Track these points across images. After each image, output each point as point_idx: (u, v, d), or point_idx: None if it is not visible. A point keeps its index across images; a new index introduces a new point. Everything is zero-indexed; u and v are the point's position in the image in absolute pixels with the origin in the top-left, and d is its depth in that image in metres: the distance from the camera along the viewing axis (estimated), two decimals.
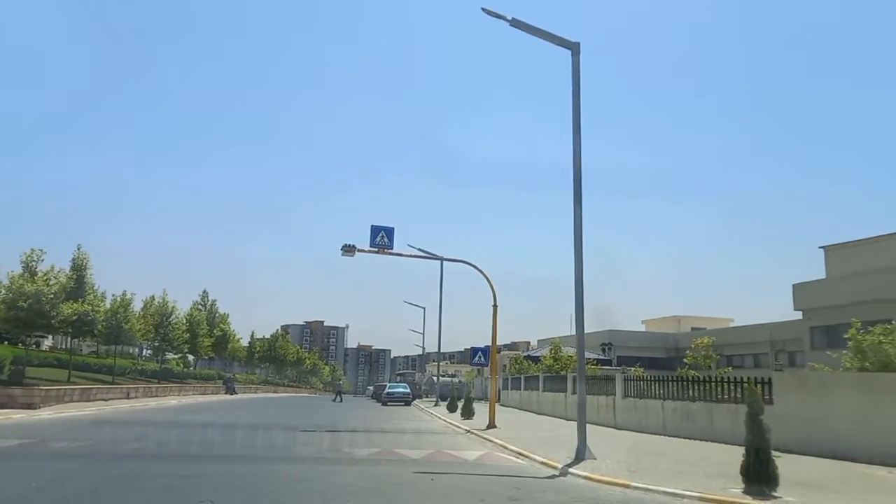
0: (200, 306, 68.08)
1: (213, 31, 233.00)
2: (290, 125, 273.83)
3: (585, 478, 12.48)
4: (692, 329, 54.76)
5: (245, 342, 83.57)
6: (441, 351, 47.69)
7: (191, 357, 67.63)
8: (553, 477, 12.91)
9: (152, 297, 51.04)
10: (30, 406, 27.09)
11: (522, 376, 40.08)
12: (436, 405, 42.02)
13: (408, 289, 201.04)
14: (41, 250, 32.29)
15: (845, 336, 20.20)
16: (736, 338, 48.15)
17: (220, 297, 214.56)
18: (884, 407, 17.40)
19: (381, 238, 23.94)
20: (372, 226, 23.86)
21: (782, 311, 36.83)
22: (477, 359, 25.54)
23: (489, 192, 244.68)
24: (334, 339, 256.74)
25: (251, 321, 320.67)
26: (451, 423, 26.63)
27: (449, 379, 57.45)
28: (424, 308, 59.56)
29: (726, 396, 20.57)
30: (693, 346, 26.68)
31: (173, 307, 51.67)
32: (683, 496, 10.82)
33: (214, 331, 65.88)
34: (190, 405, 39.19)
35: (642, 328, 59.30)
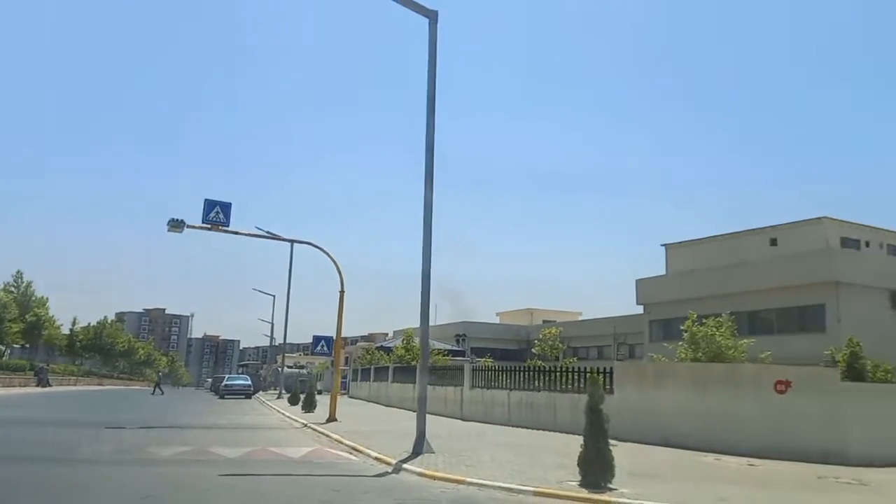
0: (13, 288, 60.49)
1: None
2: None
3: (419, 474, 11.63)
4: (543, 322, 56.63)
5: (67, 329, 75.70)
6: (291, 341, 45.57)
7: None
8: (384, 475, 11.93)
9: None
10: None
11: (372, 367, 39.12)
12: (278, 398, 39.99)
13: (260, 278, 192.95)
14: None
15: (681, 328, 21.07)
16: (583, 331, 50.29)
17: (58, 281, 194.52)
18: (712, 396, 18.24)
19: (216, 214, 21.81)
20: (206, 200, 21.61)
21: (631, 306, 38.62)
22: (319, 348, 24.02)
23: (343, 179, 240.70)
24: (177, 329, 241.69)
25: (91, 308, 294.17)
26: (289, 417, 25.03)
27: (296, 370, 55.28)
28: (274, 296, 56.89)
29: (569, 386, 20.77)
30: (541, 336, 26.98)
31: None
32: (519, 491, 10.26)
33: (27, 316, 58.82)
34: None
35: (497, 320, 60.61)
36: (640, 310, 38.37)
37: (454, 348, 45.30)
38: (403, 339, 38.04)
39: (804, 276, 29.30)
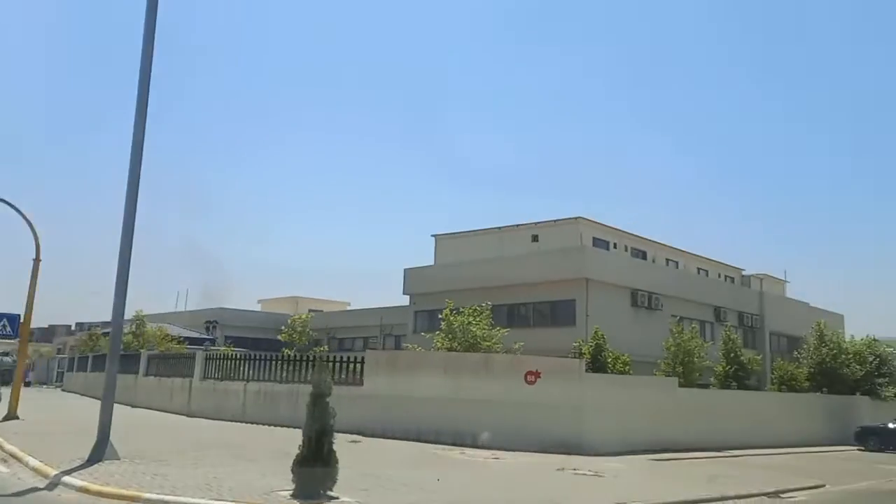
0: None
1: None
2: None
3: (81, 489, 8.90)
4: (310, 311, 54.44)
5: None
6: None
7: None
8: (33, 490, 8.99)
9: None
10: None
11: (90, 355, 33.81)
12: None
13: None
14: None
15: (440, 317, 20.26)
16: (350, 321, 48.95)
17: None
18: (466, 386, 17.56)
19: None
20: None
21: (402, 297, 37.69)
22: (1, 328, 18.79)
23: None
24: None
25: None
26: None
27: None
28: None
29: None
30: (289, 322, 24.76)
31: None
32: None
33: None
34: None
35: (258, 307, 57.01)
36: (407, 300, 37.92)
37: (204, 336, 41.17)
38: (133, 324, 33.29)
39: (560, 272, 30.68)
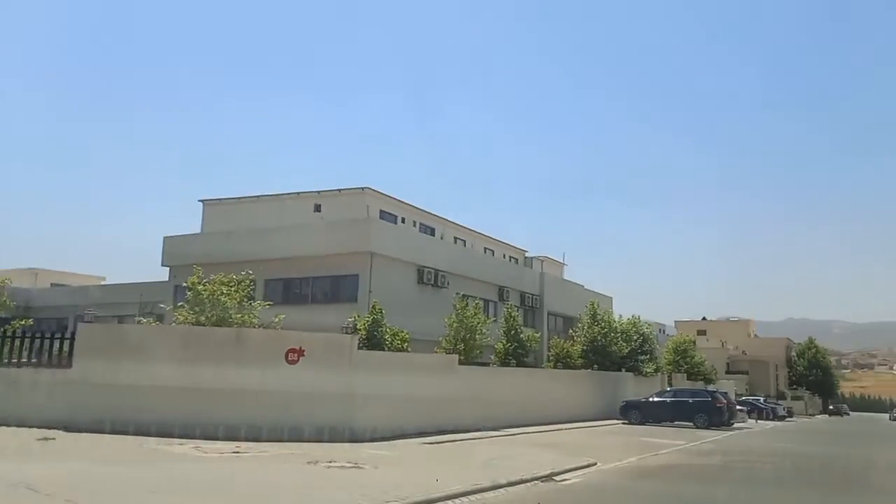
0: None
1: None
2: None
3: None
4: (52, 285, 46.78)
5: None
6: None
7: None
8: None
9: None
10: None
11: None
12: None
13: None
14: None
15: (184, 284, 17.11)
16: (104, 297, 42.64)
17: None
18: (209, 367, 14.73)
19: None
20: None
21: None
22: None
23: None
24: None
25: None
26: None
27: None
28: None
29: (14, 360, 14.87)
30: None
31: None
32: None
33: None
34: None
35: None
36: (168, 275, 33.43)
37: None
38: None
39: (343, 245, 28.62)
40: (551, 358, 30.77)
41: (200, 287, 16.25)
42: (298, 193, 32.66)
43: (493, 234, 42.30)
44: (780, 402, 55.75)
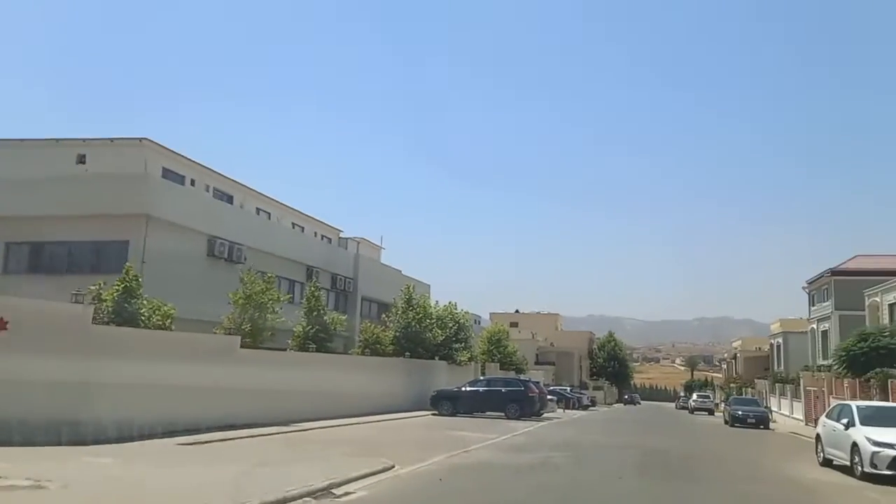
0: None
1: None
2: None
3: None
4: None
5: None
6: None
7: None
8: None
9: None
10: None
11: None
12: None
13: None
14: None
15: None
16: None
17: None
18: None
19: None
20: None
21: None
22: None
23: None
24: None
25: None
26: None
27: None
28: None
29: None
30: None
31: None
32: None
33: None
34: None
35: None
36: None
37: None
38: None
39: (111, 204, 23.59)
40: (360, 343, 27.93)
41: None
42: (58, 140, 26.83)
43: (306, 211, 38.70)
44: (583, 391, 57.62)
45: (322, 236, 39.89)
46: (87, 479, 8.45)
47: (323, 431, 17.38)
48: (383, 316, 32.16)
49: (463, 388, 27.59)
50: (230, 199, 31.63)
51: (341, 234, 42.29)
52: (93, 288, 15.29)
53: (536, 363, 70.90)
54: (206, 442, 13.45)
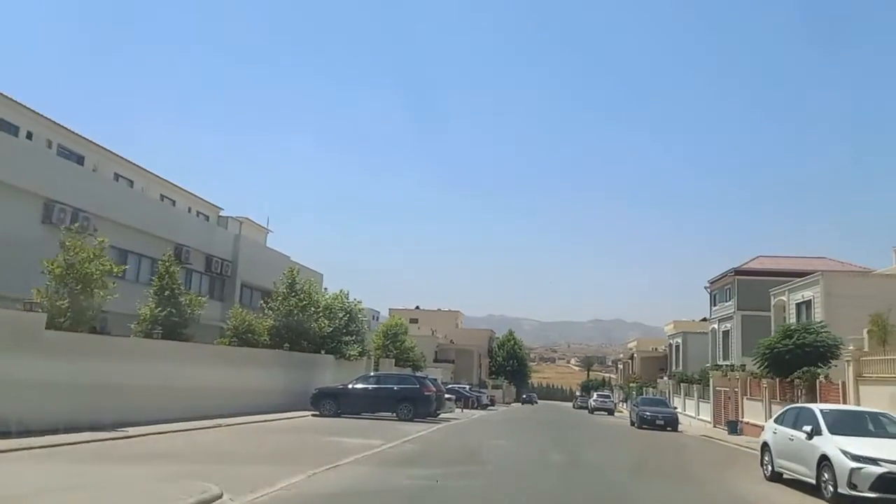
0: None
1: None
2: None
3: None
4: None
5: None
6: None
7: None
8: None
9: None
10: None
11: None
12: None
13: None
14: None
15: None
16: None
17: None
18: None
19: None
20: None
21: None
22: None
23: None
24: None
25: None
26: None
27: None
28: None
29: None
30: None
31: None
32: None
33: None
34: None
35: None
36: None
37: None
38: None
39: None
40: (228, 331, 23.80)
41: None
42: None
43: (181, 184, 33.93)
44: (483, 390, 55.21)
45: (198, 213, 35.18)
46: None
47: (156, 438, 13.42)
48: (261, 302, 28.07)
49: (349, 386, 24.04)
50: (80, 161, 26.63)
51: (221, 213, 37.64)
52: None
53: (435, 361, 68.14)
54: None
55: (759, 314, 38.41)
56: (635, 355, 73.59)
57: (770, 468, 11.99)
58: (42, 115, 24.89)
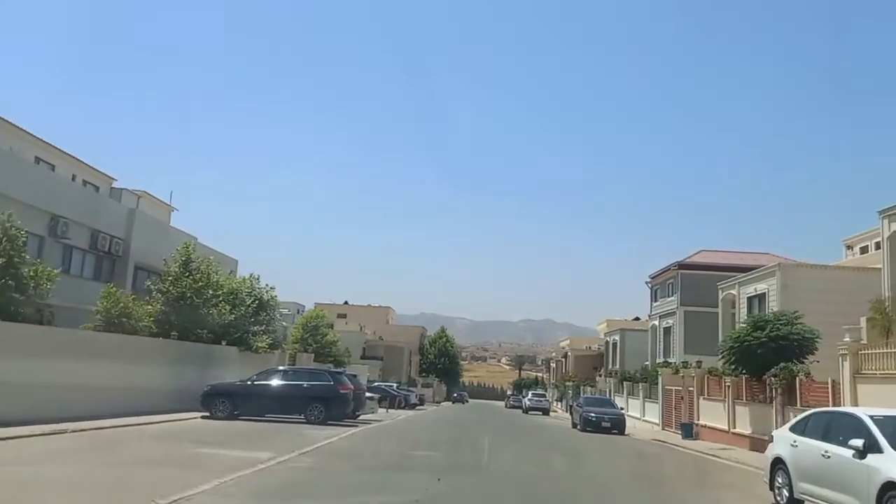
0: None
1: None
2: None
3: None
4: None
5: None
6: None
7: None
8: None
9: None
10: None
11: None
12: None
13: None
14: None
15: None
16: None
17: None
18: None
19: None
20: None
21: None
22: None
23: None
24: None
25: None
26: None
27: None
28: None
29: None
30: None
31: None
32: None
33: None
34: None
35: None
36: None
37: None
38: None
39: None
40: (99, 317, 19.44)
41: None
42: None
43: (67, 148, 29.08)
44: (412, 388, 51.69)
45: (84, 181, 30.32)
46: None
47: None
48: (147, 283, 23.71)
49: (250, 382, 20.11)
50: None
51: (115, 184, 32.80)
52: None
53: (363, 357, 64.31)
54: None
55: (704, 310, 36.47)
56: (569, 353, 71.62)
57: (787, 493, 8.92)
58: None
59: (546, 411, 47.53)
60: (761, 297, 27.09)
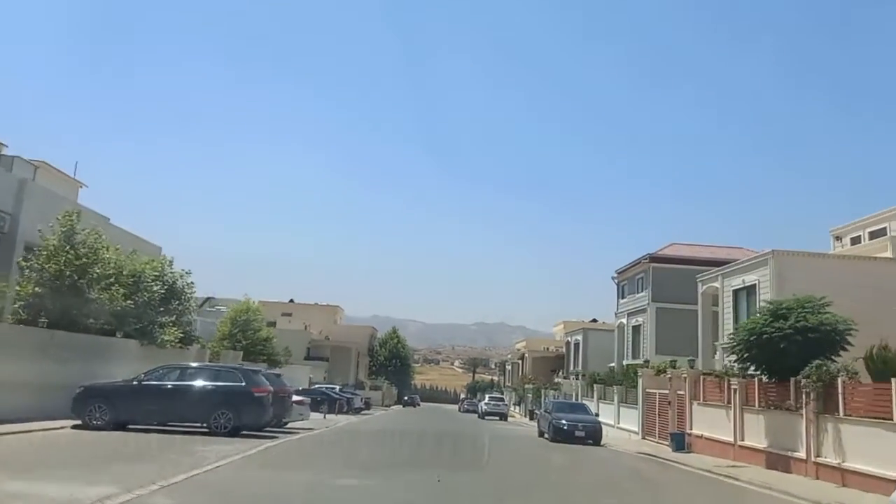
0: None
1: None
2: None
3: None
4: None
5: None
6: None
7: None
8: None
9: None
10: None
11: None
12: None
13: None
14: None
15: None
16: None
17: None
18: None
19: None
20: None
21: None
22: None
23: None
24: None
25: None
26: None
27: None
28: None
29: None
30: None
31: None
32: None
33: None
34: None
35: None
36: None
37: None
38: None
39: None
40: None
41: None
42: None
43: None
44: (358, 391, 47.33)
45: None
46: None
47: None
48: (19, 260, 18.96)
49: (136, 382, 15.70)
50: None
51: (4, 151, 27.73)
52: None
53: (307, 358, 59.65)
54: None
55: (677, 306, 33.47)
56: (526, 355, 68.24)
57: None
58: None
59: (504, 416, 43.81)
60: (750, 290, 23.93)
